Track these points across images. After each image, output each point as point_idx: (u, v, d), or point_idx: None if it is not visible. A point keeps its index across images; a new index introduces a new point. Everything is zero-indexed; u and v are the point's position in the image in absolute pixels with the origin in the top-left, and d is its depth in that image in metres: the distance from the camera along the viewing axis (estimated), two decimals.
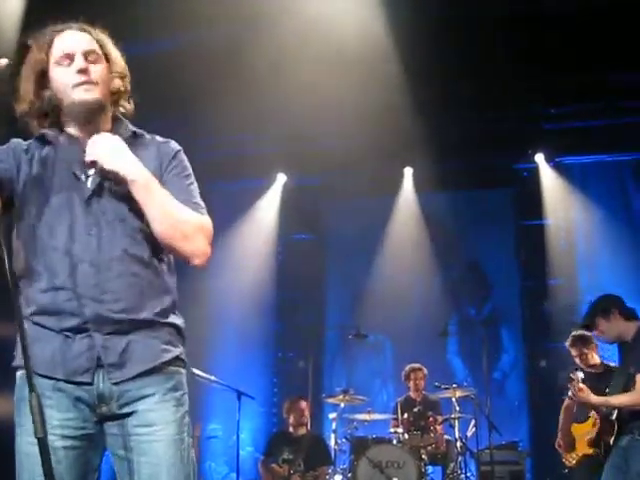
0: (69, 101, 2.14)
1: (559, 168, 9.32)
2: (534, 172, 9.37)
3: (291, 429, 7.17)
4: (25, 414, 1.98)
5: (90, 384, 2.07)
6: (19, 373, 2.14)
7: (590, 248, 9.04)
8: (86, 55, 2.16)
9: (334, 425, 7.12)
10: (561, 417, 6.28)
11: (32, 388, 1.84)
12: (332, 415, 7.23)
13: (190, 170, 2.30)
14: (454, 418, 6.94)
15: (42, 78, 2.16)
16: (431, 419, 6.94)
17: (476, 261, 9.80)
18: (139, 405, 2.10)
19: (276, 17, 6.52)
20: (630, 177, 9.26)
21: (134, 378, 2.09)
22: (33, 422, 1.82)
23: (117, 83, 2.24)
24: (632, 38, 7.00)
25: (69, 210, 2.11)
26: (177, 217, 2.12)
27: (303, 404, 7.20)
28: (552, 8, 6.97)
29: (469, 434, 7.06)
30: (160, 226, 2.11)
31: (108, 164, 2.06)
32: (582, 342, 6.21)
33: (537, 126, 8.99)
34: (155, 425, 2.09)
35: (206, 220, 2.21)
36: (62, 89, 2.13)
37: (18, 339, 2.07)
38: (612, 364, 6.30)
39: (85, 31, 2.21)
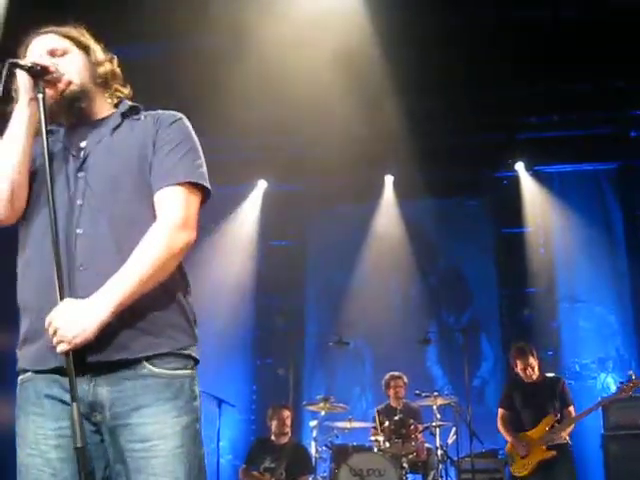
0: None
1: (538, 177, 9.39)
2: (514, 181, 9.43)
3: (273, 437, 7.11)
4: (25, 424, 2.01)
5: (82, 372, 1.96)
6: (20, 378, 2.10)
7: (569, 256, 9.09)
8: (51, 53, 2.19)
9: (314, 433, 7.08)
10: (501, 428, 6.44)
11: (74, 397, 1.84)
12: (313, 423, 7.18)
13: (186, 137, 2.22)
14: (435, 426, 6.92)
15: None
16: (412, 427, 6.91)
17: (456, 269, 9.83)
18: (133, 417, 1.98)
19: (260, 24, 6.50)
20: (608, 186, 9.36)
21: (119, 372, 1.99)
22: (73, 431, 1.83)
23: (101, 70, 2.27)
24: (613, 49, 7.09)
25: (61, 185, 2.10)
26: (150, 269, 1.99)
27: (286, 413, 7.15)
28: (534, 18, 7.04)
29: (450, 442, 7.05)
30: (155, 279, 2.01)
31: (74, 337, 1.90)
32: (528, 352, 6.36)
33: (517, 135, 9.06)
34: (151, 440, 1.97)
35: (162, 228, 2.05)
36: None
37: (20, 339, 2.09)
38: (549, 375, 6.55)
39: (51, 32, 2.25)
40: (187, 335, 2.11)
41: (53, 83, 2.12)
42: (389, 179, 9.83)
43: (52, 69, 2.10)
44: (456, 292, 9.76)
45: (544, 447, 6.13)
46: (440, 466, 6.87)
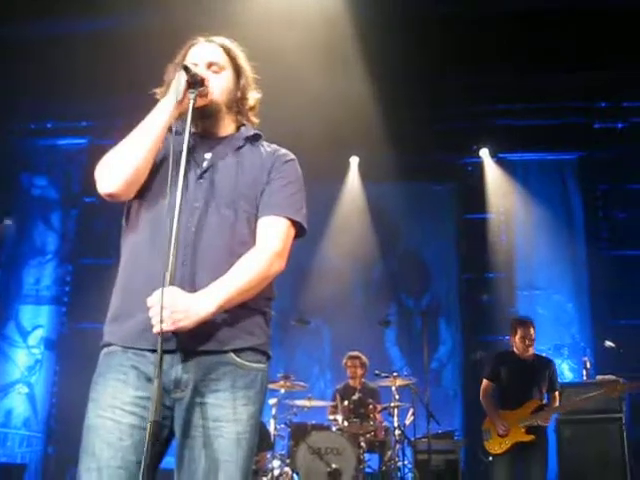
0: (185, 103, 2.30)
1: (502, 164, 9.49)
2: (478, 167, 9.51)
3: None
4: (103, 389, 2.17)
5: (174, 352, 2.15)
6: (106, 350, 2.26)
7: (529, 243, 9.23)
8: (209, 65, 2.44)
9: (274, 411, 7.08)
10: (484, 400, 6.43)
11: (159, 375, 1.98)
12: (272, 400, 7.17)
13: (297, 178, 2.48)
14: (393, 407, 6.98)
15: None
16: (370, 407, 6.97)
17: (417, 252, 9.90)
18: (209, 398, 2.18)
19: (234, 4, 6.44)
20: (570, 176, 9.50)
21: (206, 357, 2.18)
22: (152, 406, 1.95)
23: (242, 98, 2.51)
24: (577, 40, 7.18)
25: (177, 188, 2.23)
26: (248, 284, 2.23)
27: None
28: (501, 9, 7.10)
29: (407, 422, 7.12)
30: (250, 294, 2.25)
31: (180, 320, 2.10)
32: (530, 324, 6.41)
33: (483, 122, 9.13)
34: (220, 421, 2.17)
35: (265, 253, 2.30)
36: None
37: (110, 315, 2.28)
38: (541, 354, 6.61)
39: (215, 43, 2.50)
40: (264, 334, 2.35)
41: (200, 95, 2.31)
42: (354, 160, 9.83)
43: (207, 84, 2.32)
44: (416, 275, 9.82)
45: (523, 430, 6.13)
46: (397, 446, 6.93)
